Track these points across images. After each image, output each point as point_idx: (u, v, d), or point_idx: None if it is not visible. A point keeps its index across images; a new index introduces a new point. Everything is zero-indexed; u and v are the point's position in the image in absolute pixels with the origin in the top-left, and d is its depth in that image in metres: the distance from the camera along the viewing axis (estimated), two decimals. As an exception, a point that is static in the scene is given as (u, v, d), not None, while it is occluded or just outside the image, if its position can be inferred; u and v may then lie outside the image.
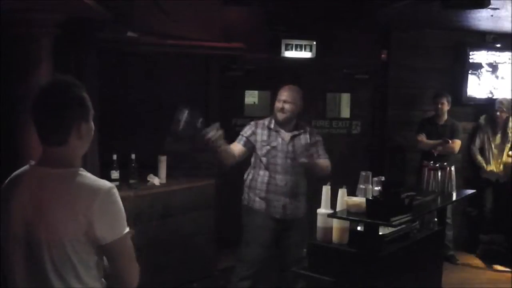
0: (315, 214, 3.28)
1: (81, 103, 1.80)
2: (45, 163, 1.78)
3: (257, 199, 4.03)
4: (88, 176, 1.77)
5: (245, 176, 4.15)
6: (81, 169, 1.79)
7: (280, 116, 4.01)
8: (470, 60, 6.19)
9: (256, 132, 4.05)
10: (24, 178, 1.80)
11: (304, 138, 4.08)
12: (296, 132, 4.06)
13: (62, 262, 1.71)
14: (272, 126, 4.04)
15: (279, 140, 4.01)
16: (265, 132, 4.03)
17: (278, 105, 4.03)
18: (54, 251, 1.70)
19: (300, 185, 4.07)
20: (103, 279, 1.88)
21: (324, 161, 4.06)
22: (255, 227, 4.02)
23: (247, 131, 4.07)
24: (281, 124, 4.03)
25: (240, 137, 4.07)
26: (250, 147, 4.05)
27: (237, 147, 4.01)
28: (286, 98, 4.01)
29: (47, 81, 1.82)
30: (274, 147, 4.00)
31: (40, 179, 1.75)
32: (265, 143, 4.01)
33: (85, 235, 1.70)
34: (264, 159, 4.01)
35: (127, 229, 1.80)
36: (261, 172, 4.03)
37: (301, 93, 4.11)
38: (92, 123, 1.86)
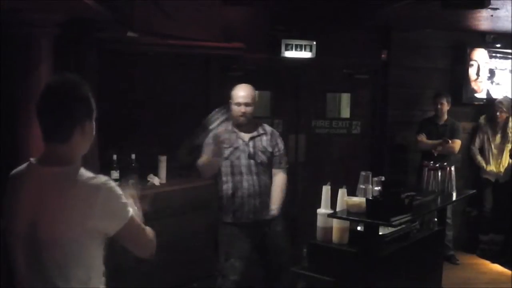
0: (315, 214, 3.28)
1: (87, 102, 1.82)
2: (45, 161, 1.79)
3: (224, 208, 3.93)
4: (85, 174, 1.77)
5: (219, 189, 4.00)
6: (80, 167, 1.80)
7: (242, 120, 3.90)
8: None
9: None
10: (25, 176, 1.81)
11: (266, 140, 3.98)
12: (255, 133, 3.97)
13: (63, 260, 1.72)
14: (229, 127, 3.91)
15: (239, 141, 3.91)
16: (226, 135, 3.85)
17: (238, 109, 3.89)
18: (56, 250, 1.71)
19: (266, 185, 3.97)
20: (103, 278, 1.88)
21: (279, 180, 3.98)
22: (230, 239, 3.92)
23: (209, 139, 3.83)
24: (238, 126, 3.93)
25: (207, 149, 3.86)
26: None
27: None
28: (247, 101, 3.90)
29: (54, 78, 1.82)
30: (236, 148, 3.89)
31: (41, 178, 1.76)
32: (227, 145, 3.86)
33: (87, 232, 1.71)
34: (227, 163, 3.88)
35: (131, 213, 1.82)
36: (224, 178, 3.92)
37: (255, 91, 4.01)
38: (94, 123, 1.87)
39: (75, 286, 1.73)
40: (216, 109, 3.77)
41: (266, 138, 4.00)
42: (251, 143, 3.93)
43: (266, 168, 3.98)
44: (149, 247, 1.95)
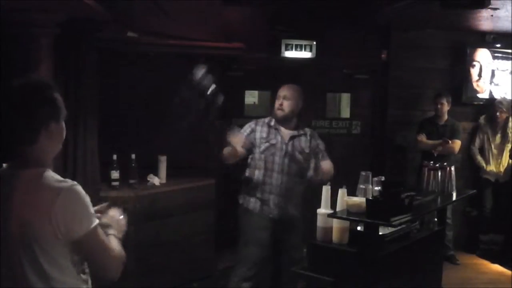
0: (315, 214, 3.28)
1: (50, 103, 1.81)
2: (14, 164, 1.80)
3: (252, 198, 4.00)
4: (51, 177, 1.77)
5: (244, 175, 4.10)
6: (47, 169, 1.79)
7: (279, 113, 3.96)
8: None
9: (256, 129, 3.99)
10: None
11: (304, 141, 4.03)
12: (295, 133, 4.02)
13: (36, 262, 1.72)
14: (272, 123, 4.00)
15: (278, 138, 3.97)
16: (265, 129, 3.98)
17: (277, 102, 3.99)
18: (30, 251, 1.71)
19: (295, 185, 4.02)
20: (83, 275, 1.88)
21: (326, 164, 3.98)
22: (251, 227, 3.98)
23: (246, 129, 4.01)
24: (280, 122, 3.99)
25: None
26: (249, 146, 3.98)
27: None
28: (285, 94, 3.97)
29: (15, 80, 1.81)
30: (273, 145, 3.95)
31: (9, 181, 1.76)
32: (264, 140, 3.95)
33: (53, 234, 1.71)
34: (261, 156, 3.95)
35: (94, 224, 1.79)
36: (257, 171, 3.98)
37: (301, 92, 4.06)
38: (63, 124, 1.87)
39: (53, 286, 1.74)
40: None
41: (305, 139, 4.03)
42: (290, 143, 3.98)
43: (300, 169, 3.99)
44: (110, 270, 1.86)
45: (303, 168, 4.00)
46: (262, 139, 3.97)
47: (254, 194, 3.99)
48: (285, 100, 3.96)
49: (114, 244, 1.90)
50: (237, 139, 3.76)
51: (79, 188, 1.77)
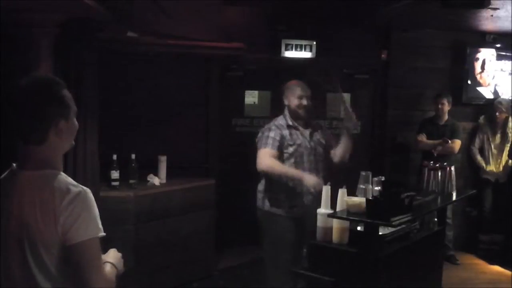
0: (315, 214, 3.28)
1: (58, 101, 1.77)
2: (24, 165, 1.77)
3: (277, 201, 3.86)
4: (62, 180, 1.75)
5: (262, 181, 3.93)
6: (59, 172, 1.77)
7: (303, 113, 3.91)
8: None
9: (283, 133, 3.87)
10: (6, 182, 1.79)
11: (319, 133, 4.01)
12: (312, 128, 3.99)
13: (42, 263, 1.71)
14: (291, 123, 3.92)
15: (301, 137, 3.91)
16: (287, 131, 3.88)
17: (299, 102, 3.90)
18: (34, 254, 1.70)
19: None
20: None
21: (342, 147, 3.98)
22: (283, 232, 3.83)
23: (276, 135, 3.84)
24: (299, 120, 3.94)
25: (272, 141, 3.81)
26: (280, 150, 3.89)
27: (275, 154, 3.80)
28: (305, 94, 3.92)
29: (22, 79, 1.79)
30: (299, 145, 3.88)
31: (19, 182, 1.74)
32: (291, 142, 3.87)
33: (57, 237, 1.69)
34: (291, 159, 3.85)
35: (99, 234, 1.75)
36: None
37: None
38: (75, 121, 1.83)
39: (59, 286, 1.73)
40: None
41: (320, 131, 4.05)
42: (312, 139, 3.95)
43: (322, 162, 3.98)
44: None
45: (324, 161, 3.98)
46: (288, 141, 3.86)
47: (287, 198, 3.85)
48: (306, 99, 3.93)
49: (109, 273, 1.84)
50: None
51: (90, 194, 1.74)
